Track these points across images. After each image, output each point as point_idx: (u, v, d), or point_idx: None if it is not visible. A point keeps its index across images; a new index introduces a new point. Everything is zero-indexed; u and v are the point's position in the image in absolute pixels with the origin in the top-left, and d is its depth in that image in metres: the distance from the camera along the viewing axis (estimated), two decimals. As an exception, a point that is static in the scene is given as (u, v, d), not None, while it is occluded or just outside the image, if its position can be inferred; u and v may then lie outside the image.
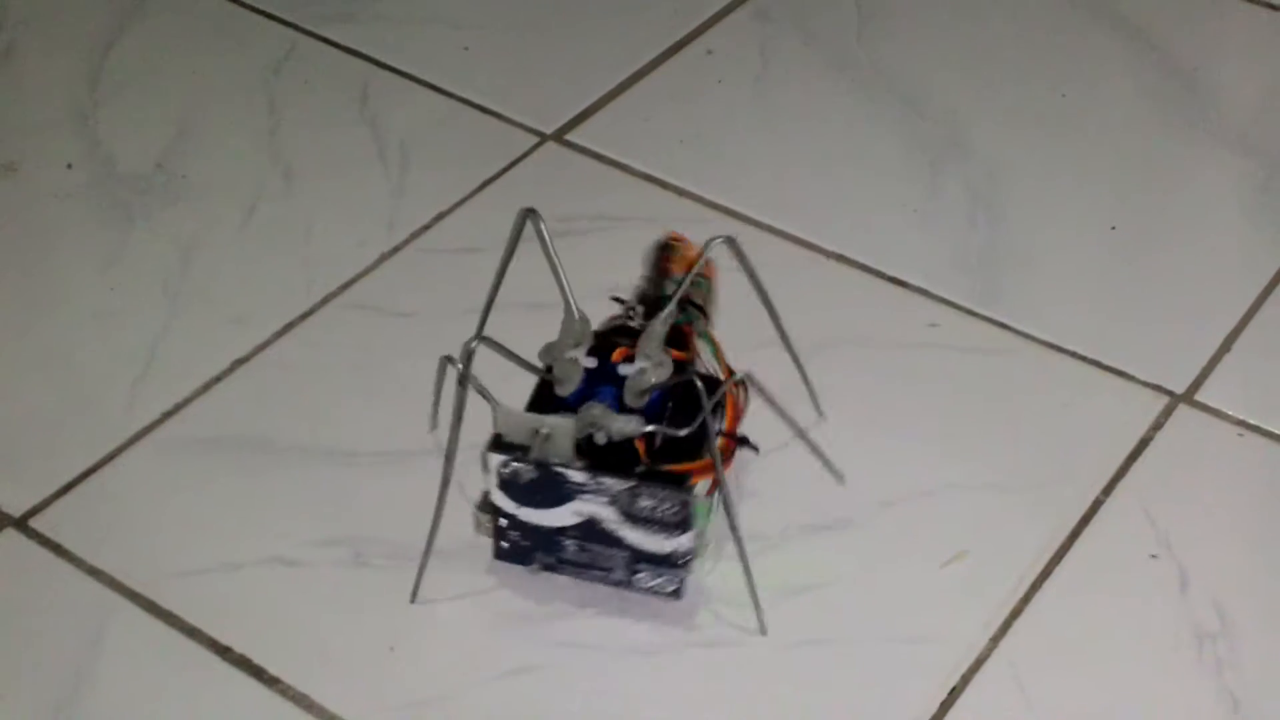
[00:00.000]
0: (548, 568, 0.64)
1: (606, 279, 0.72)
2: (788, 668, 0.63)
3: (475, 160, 0.85)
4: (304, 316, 0.77)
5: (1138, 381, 0.74)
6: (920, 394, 0.73)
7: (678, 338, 0.65)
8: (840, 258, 0.80)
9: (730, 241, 0.65)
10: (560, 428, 0.61)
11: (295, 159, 0.85)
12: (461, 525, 0.66)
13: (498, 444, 0.62)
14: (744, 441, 0.65)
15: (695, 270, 0.65)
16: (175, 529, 0.68)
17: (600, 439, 0.62)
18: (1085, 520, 0.68)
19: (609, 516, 0.62)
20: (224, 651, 0.64)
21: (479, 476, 0.63)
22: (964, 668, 0.63)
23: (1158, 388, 0.73)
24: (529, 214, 0.65)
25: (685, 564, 0.62)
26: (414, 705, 0.62)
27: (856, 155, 0.86)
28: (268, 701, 0.62)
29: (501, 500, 0.63)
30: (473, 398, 0.62)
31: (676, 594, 0.64)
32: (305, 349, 0.76)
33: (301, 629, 0.65)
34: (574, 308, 0.64)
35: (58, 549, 0.68)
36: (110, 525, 0.69)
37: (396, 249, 0.81)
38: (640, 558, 0.63)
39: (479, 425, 0.63)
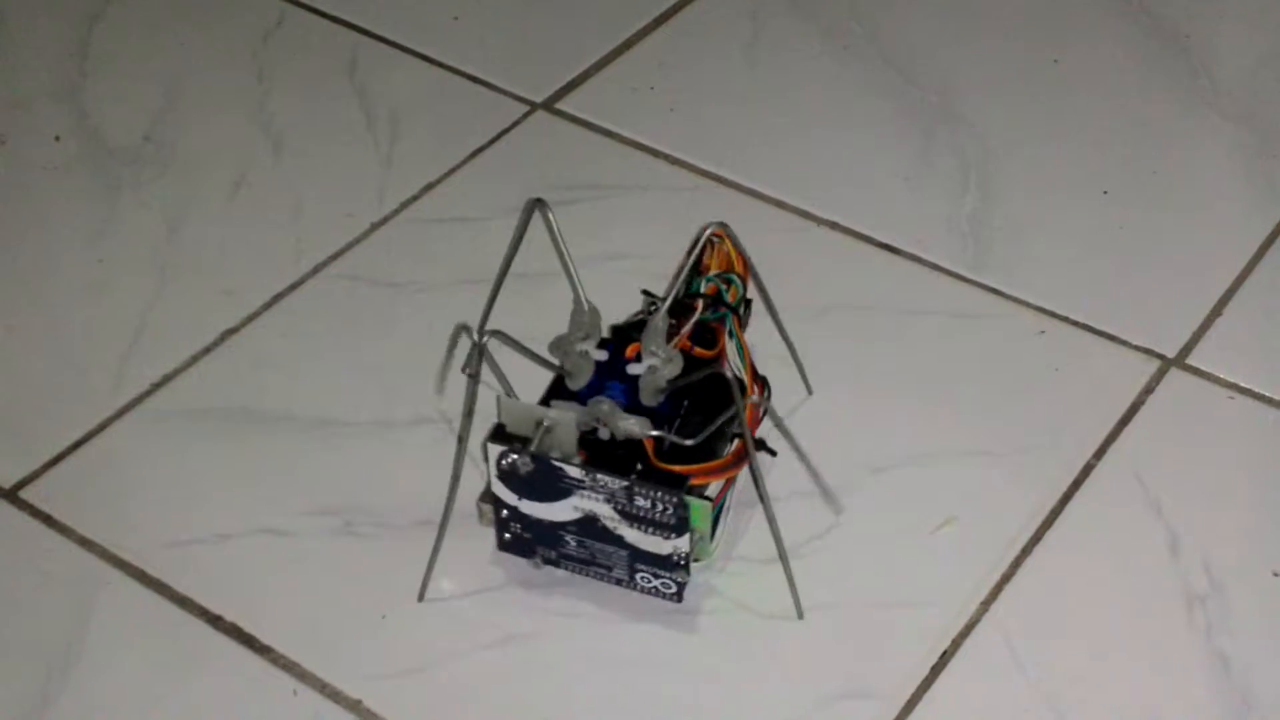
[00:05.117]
0: (549, 562, 0.64)
1: (597, 248, 0.72)
2: (778, 633, 0.63)
3: (465, 129, 0.85)
4: (293, 287, 0.77)
5: (1129, 346, 0.74)
6: (912, 360, 0.73)
7: (706, 336, 0.65)
8: (833, 225, 0.80)
9: (723, 227, 0.64)
10: (563, 421, 0.60)
11: (284, 130, 0.85)
12: (458, 497, 0.66)
13: (499, 434, 0.61)
14: (761, 445, 0.65)
15: (688, 262, 0.64)
16: (166, 499, 0.68)
17: (605, 435, 0.61)
18: (1076, 485, 0.68)
19: (608, 514, 0.61)
20: (215, 621, 0.64)
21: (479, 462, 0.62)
22: (954, 632, 0.63)
23: (1149, 352, 0.73)
24: (538, 204, 0.64)
25: (683, 566, 0.62)
26: (406, 673, 0.62)
27: (848, 123, 0.85)
28: (259, 670, 0.62)
29: (502, 491, 0.62)
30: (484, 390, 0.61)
31: (677, 597, 0.63)
32: (295, 320, 0.76)
33: (292, 598, 0.65)
34: (583, 299, 0.63)
35: (48, 520, 0.68)
36: (101, 496, 0.69)
37: (386, 219, 0.81)
38: (640, 557, 0.62)
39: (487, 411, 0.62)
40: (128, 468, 0.70)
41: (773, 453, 0.65)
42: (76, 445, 0.70)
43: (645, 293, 0.67)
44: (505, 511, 0.63)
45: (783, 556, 0.62)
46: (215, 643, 0.63)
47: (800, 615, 0.63)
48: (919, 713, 0.61)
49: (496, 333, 0.61)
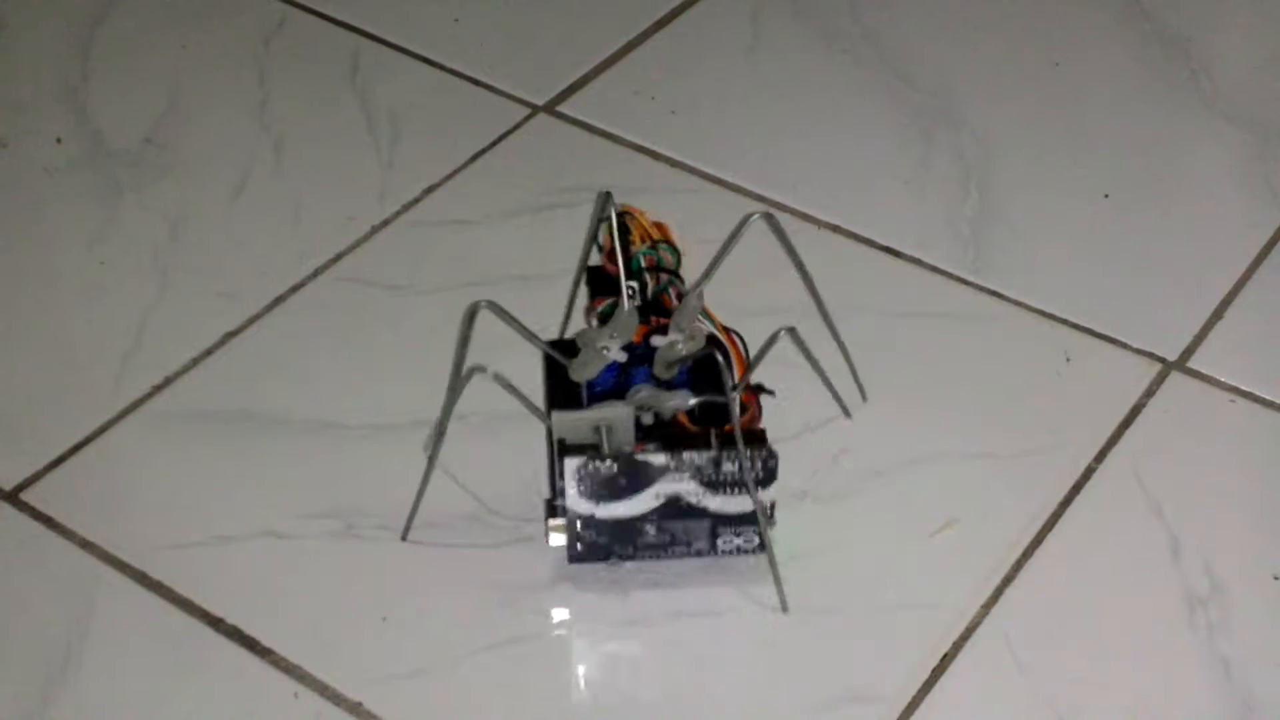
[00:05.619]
0: (625, 558, 0.64)
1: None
2: (779, 635, 0.63)
3: (466, 132, 0.85)
4: (294, 290, 0.77)
5: (1130, 349, 0.74)
6: (912, 362, 0.73)
7: (659, 307, 0.66)
8: (834, 228, 0.80)
9: (768, 217, 0.65)
10: (619, 418, 0.61)
11: (285, 132, 0.85)
12: (458, 498, 0.66)
13: (564, 449, 0.61)
14: (760, 389, 0.65)
15: (724, 252, 0.65)
16: (166, 502, 0.68)
17: (647, 419, 0.62)
18: (1077, 488, 0.68)
19: (691, 490, 0.62)
20: (216, 623, 0.64)
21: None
22: (955, 635, 0.63)
23: (1150, 355, 0.73)
24: (607, 198, 0.65)
25: (770, 515, 0.63)
26: (407, 675, 0.62)
27: (849, 126, 0.86)
28: (260, 673, 0.62)
29: (578, 504, 0.62)
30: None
31: (761, 548, 0.64)
32: (296, 322, 0.76)
33: (294, 600, 0.65)
34: (627, 301, 0.64)
35: (49, 522, 0.68)
36: (101, 498, 0.68)
37: (387, 222, 0.81)
38: (721, 521, 0.63)
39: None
40: (128, 470, 0.70)
41: (771, 393, 0.66)
42: (77, 447, 0.70)
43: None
44: (579, 523, 0.63)
45: (768, 546, 0.62)
46: (216, 645, 0.63)
47: (785, 609, 0.63)
48: (920, 715, 0.61)
49: (492, 304, 0.62)
